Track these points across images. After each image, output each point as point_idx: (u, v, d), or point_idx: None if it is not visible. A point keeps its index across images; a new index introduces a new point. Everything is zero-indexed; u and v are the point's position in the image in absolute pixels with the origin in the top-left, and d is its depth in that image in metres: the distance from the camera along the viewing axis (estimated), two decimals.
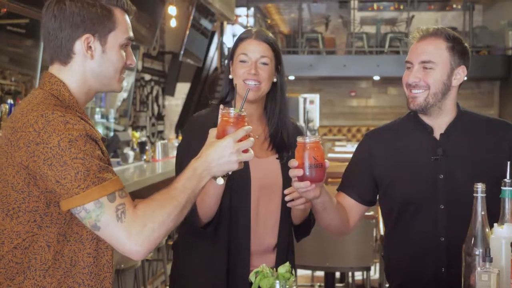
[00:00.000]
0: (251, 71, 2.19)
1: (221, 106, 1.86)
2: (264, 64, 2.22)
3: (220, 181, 1.86)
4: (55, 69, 1.72)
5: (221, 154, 1.68)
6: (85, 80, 1.71)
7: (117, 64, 1.72)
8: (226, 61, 2.32)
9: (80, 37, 1.68)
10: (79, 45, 1.68)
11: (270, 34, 2.27)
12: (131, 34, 1.76)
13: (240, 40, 2.26)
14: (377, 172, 2.26)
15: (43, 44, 1.75)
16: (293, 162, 1.88)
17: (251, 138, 1.71)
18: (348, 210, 2.25)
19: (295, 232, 2.36)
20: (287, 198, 2.06)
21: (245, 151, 1.70)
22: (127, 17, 1.76)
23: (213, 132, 1.75)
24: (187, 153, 2.13)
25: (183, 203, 1.65)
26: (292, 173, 1.87)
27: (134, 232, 1.57)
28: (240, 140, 1.69)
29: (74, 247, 1.65)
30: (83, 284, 1.66)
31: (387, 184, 2.25)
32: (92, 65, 1.70)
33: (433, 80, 2.17)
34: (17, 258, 1.62)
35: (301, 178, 1.86)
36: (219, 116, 1.79)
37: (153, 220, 1.59)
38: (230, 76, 2.27)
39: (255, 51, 2.21)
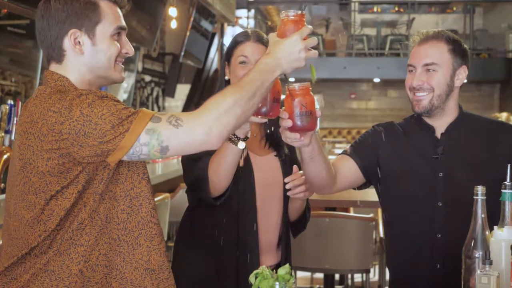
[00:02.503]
0: None
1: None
2: None
3: (242, 145, 1.83)
4: (53, 69, 1.74)
5: (290, 50, 1.68)
6: (83, 76, 1.72)
7: (109, 53, 1.73)
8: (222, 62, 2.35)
9: (67, 33, 1.69)
10: (67, 42, 1.70)
11: (265, 36, 2.30)
12: (122, 23, 1.76)
13: (238, 42, 2.29)
14: (382, 159, 2.28)
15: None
16: (283, 113, 1.83)
17: (315, 38, 1.72)
18: (344, 171, 2.25)
19: (292, 228, 2.40)
20: (288, 186, 2.07)
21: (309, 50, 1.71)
22: (115, 8, 1.76)
23: (273, 34, 1.75)
24: None
25: (251, 92, 1.64)
26: (281, 123, 1.82)
27: (199, 123, 1.59)
28: (305, 39, 1.70)
29: (109, 204, 1.68)
30: (118, 240, 1.69)
31: (388, 178, 2.27)
32: (85, 60, 1.71)
33: (437, 82, 2.20)
34: (60, 226, 1.65)
35: (292, 129, 1.82)
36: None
37: (217, 107, 1.60)
38: (227, 77, 2.31)
39: (255, 53, 2.24)
